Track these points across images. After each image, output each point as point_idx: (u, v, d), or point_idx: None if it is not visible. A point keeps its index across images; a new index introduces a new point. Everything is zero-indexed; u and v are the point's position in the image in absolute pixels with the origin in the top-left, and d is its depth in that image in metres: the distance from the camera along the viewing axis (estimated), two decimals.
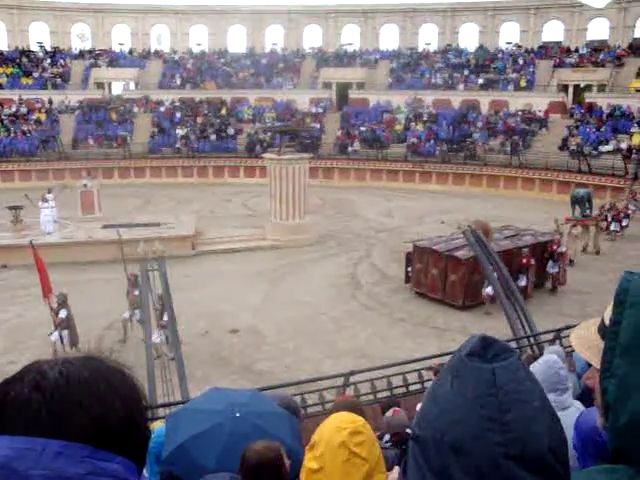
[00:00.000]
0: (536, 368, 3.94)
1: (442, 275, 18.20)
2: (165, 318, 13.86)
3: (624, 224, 25.48)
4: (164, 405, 9.27)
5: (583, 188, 27.52)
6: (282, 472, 2.84)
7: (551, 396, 3.73)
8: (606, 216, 25.28)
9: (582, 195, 25.08)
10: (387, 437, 4.57)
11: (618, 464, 0.99)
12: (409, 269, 19.43)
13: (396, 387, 10.42)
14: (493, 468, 0.90)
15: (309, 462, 2.23)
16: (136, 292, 14.86)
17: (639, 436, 0.95)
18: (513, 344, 11.21)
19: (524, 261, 18.12)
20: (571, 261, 21.41)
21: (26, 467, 0.78)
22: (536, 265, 18.62)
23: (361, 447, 2.18)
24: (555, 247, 19.36)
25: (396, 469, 2.28)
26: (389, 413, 4.88)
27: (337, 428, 2.23)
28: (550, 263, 19.23)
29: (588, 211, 24.60)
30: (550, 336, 11.42)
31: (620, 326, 1.00)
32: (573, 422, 2.55)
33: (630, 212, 26.37)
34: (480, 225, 18.19)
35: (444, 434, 0.93)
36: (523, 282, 17.94)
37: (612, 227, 25.07)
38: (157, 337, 13.71)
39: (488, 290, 17.10)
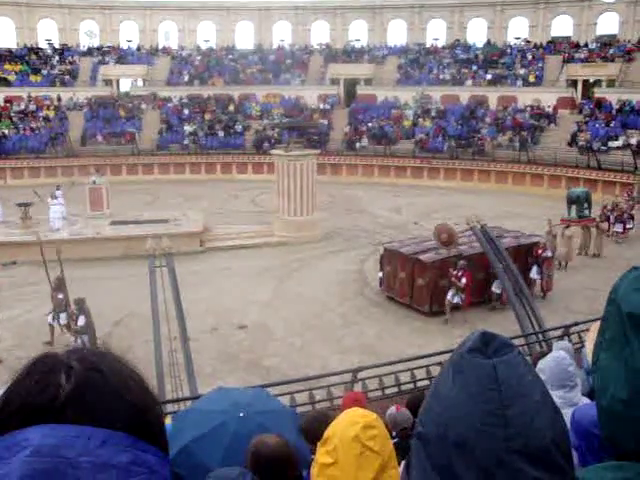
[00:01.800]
0: (545, 364, 3.92)
1: (409, 279, 17.40)
2: (80, 323, 13.80)
3: (629, 225, 24.43)
4: (173, 401, 9.32)
5: (579, 187, 26.34)
6: (295, 465, 2.84)
7: (560, 392, 3.72)
8: (608, 217, 24.29)
9: (578, 194, 23.72)
10: (393, 433, 4.57)
11: (624, 461, 1.00)
12: (382, 273, 18.67)
13: (404, 383, 10.42)
14: (497, 463, 0.90)
15: (322, 457, 2.23)
16: (60, 295, 14.86)
17: (618, 420, 0.99)
18: (522, 340, 11.20)
19: None
20: (565, 264, 20.66)
21: (75, 454, 0.78)
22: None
23: (374, 441, 2.19)
24: (540, 251, 18.12)
25: (402, 464, 2.29)
26: (391, 410, 4.88)
27: (350, 422, 2.24)
28: (534, 268, 18.07)
29: (587, 211, 23.30)
30: (559, 332, 11.40)
31: (606, 322, 1.05)
32: None
33: (634, 213, 25.28)
34: (444, 229, 17.51)
35: (447, 430, 0.93)
36: (497, 289, 16.91)
37: (615, 228, 24.04)
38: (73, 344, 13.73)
39: (449, 297, 16.41)
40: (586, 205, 23.36)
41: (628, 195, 28.07)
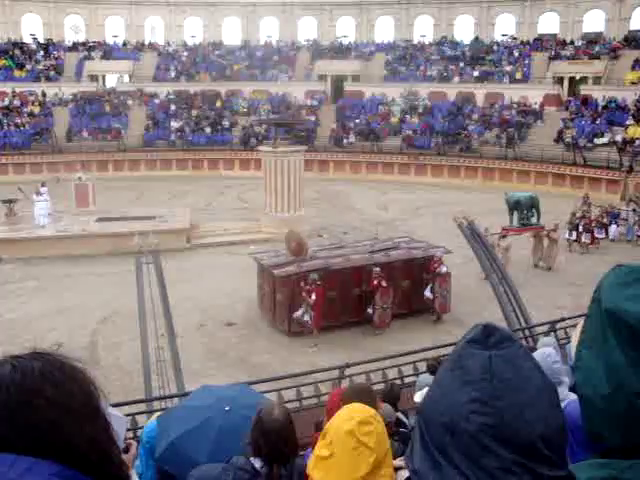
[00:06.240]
0: None
1: (272, 294, 15.84)
2: None
3: (599, 235, 23.09)
4: (159, 398, 9.28)
5: (523, 192, 23.13)
6: (295, 435, 2.89)
7: None
8: (577, 225, 22.90)
9: (517, 199, 20.94)
10: None
11: (609, 457, 1.02)
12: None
13: (391, 379, 10.44)
14: (482, 449, 0.95)
15: (319, 450, 2.25)
16: None
17: (602, 416, 1.01)
18: None
19: (374, 283, 15.36)
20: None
21: None
22: (391, 288, 15.60)
23: (369, 437, 2.19)
24: (436, 266, 16.10)
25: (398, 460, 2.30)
26: None
27: (347, 417, 2.25)
28: (429, 287, 16.19)
29: (533, 219, 20.86)
30: (545, 328, 11.46)
31: (589, 320, 1.08)
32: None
33: (606, 221, 23.93)
34: (294, 237, 16.69)
35: (441, 415, 0.99)
36: (369, 309, 15.52)
37: (583, 238, 22.61)
38: None
39: (298, 314, 14.97)
40: (533, 212, 20.96)
41: (584, 201, 25.76)
